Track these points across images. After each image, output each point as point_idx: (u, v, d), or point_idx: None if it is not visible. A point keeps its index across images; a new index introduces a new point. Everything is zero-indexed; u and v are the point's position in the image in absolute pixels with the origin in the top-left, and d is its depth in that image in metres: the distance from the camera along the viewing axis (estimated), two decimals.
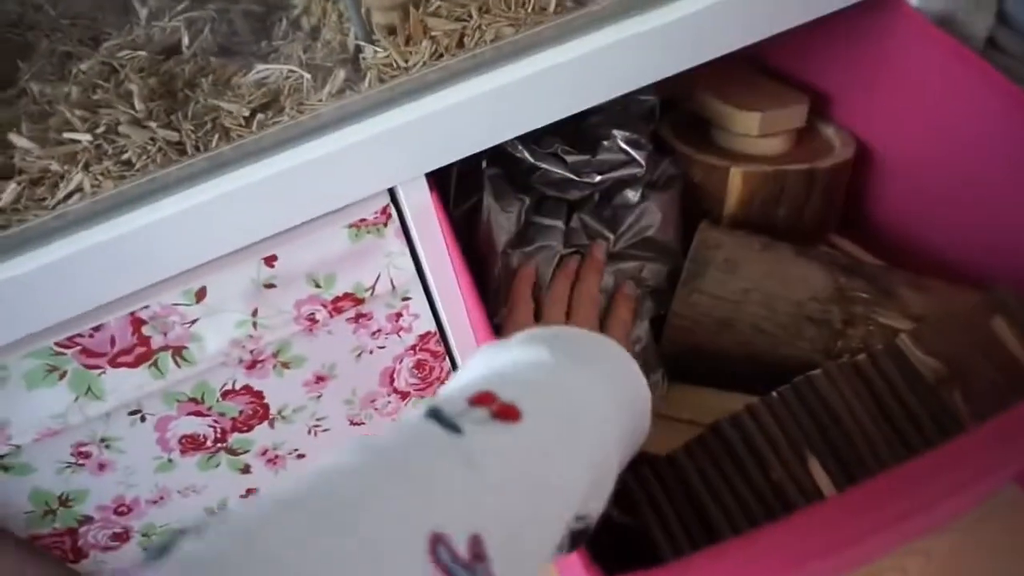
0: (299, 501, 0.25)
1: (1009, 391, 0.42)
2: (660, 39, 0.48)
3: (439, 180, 0.52)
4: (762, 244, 0.53)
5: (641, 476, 0.44)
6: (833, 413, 0.42)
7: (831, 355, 0.48)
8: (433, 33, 0.49)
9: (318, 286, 0.53)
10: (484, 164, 0.55)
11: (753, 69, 0.68)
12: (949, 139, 0.54)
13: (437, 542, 0.24)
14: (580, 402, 0.33)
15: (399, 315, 0.58)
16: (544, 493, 0.29)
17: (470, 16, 0.50)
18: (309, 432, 0.63)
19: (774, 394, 0.43)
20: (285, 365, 0.57)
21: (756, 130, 0.59)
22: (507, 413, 0.30)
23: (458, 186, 0.56)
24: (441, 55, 0.49)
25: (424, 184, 0.51)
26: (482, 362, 0.35)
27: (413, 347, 0.61)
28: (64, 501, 0.58)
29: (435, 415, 0.30)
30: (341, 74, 0.49)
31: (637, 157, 0.54)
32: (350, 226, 0.51)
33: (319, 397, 0.60)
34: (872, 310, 0.49)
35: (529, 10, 0.50)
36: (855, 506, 0.33)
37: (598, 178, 0.54)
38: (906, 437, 0.42)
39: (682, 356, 0.52)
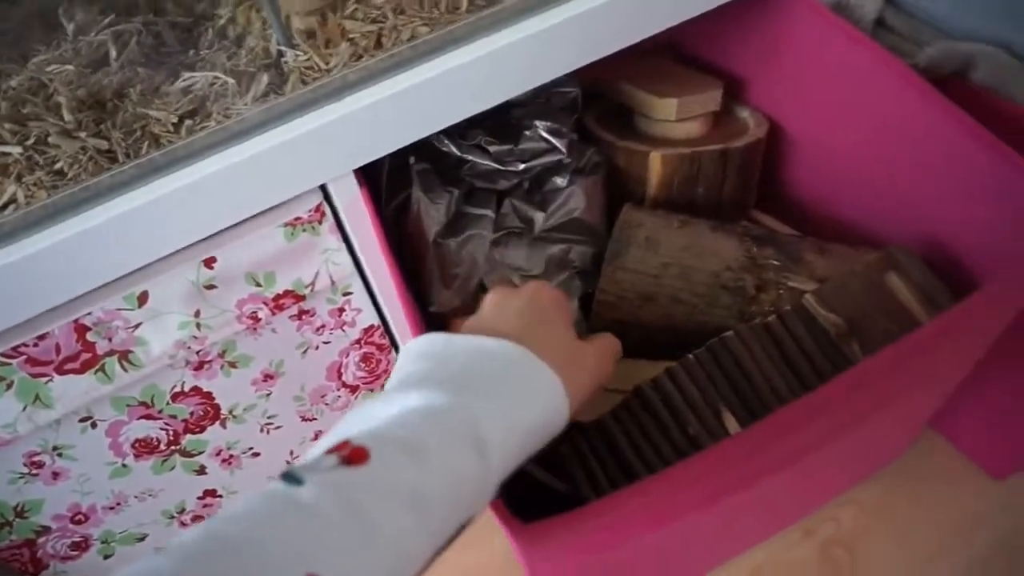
0: None
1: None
2: (568, 33, 0.51)
3: (371, 177, 0.54)
4: (680, 221, 0.55)
5: (573, 442, 0.47)
6: (745, 370, 0.45)
7: (745, 319, 0.51)
8: (351, 35, 0.52)
9: (258, 285, 0.55)
10: (412, 160, 0.57)
11: (671, 58, 0.72)
12: (847, 115, 0.58)
13: None
14: (445, 437, 0.32)
15: (341, 310, 0.60)
16: (390, 525, 0.30)
17: (386, 18, 0.52)
18: (262, 430, 0.64)
19: (690, 356, 0.45)
20: (232, 365, 0.58)
21: (674, 115, 0.62)
22: (355, 456, 0.31)
23: (390, 182, 0.58)
24: (360, 56, 0.51)
25: (353, 181, 0.53)
26: (355, 415, 0.35)
27: (358, 341, 0.63)
28: (20, 512, 0.59)
29: (284, 474, 0.30)
30: (264, 78, 0.51)
31: (558, 145, 0.57)
32: (285, 225, 0.53)
33: (269, 395, 0.62)
34: (781, 275, 0.52)
35: (442, 10, 0.52)
36: (759, 440, 0.36)
37: (522, 166, 0.56)
38: (812, 388, 0.45)
39: (610, 330, 0.54)
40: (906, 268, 0.47)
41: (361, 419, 0.33)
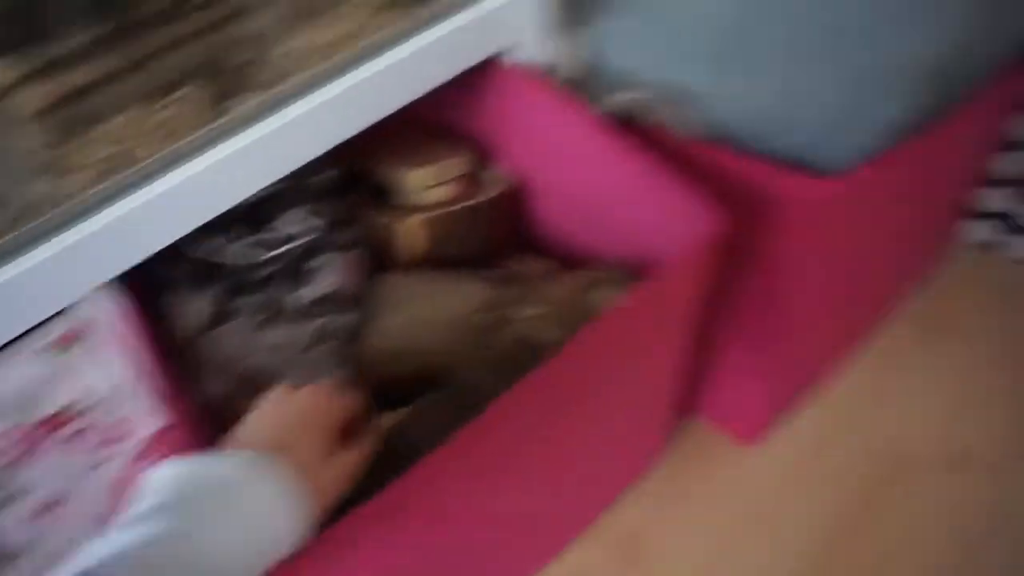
0: None
1: None
2: (290, 134, 0.57)
3: (132, 282, 0.57)
4: (430, 278, 0.62)
5: None
6: (481, 401, 0.50)
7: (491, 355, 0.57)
8: (91, 160, 0.55)
9: (26, 412, 0.55)
10: (168, 261, 0.59)
11: (425, 130, 0.79)
12: (563, 162, 0.67)
13: None
14: (174, 567, 0.37)
15: (121, 422, 0.60)
16: None
17: (124, 140, 0.56)
18: (51, 566, 0.62)
19: (426, 397, 0.50)
20: (7, 500, 0.57)
21: (426, 183, 0.70)
22: None
23: (154, 283, 0.61)
24: (102, 178, 0.55)
25: (109, 294, 0.55)
26: (95, 545, 0.38)
27: (144, 450, 0.63)
28: None
29: None
30: (10, 210, 0.53)
31: (311, 227, 0.62)
32: (45, 347, 0.54)
33: (54, 525, 0.60)
34: (520, 309, 0.59)
35: (175, 126, 0.57)
36: (463, 445, 0.40)
37: (281, 250, 0.61)
38: None
39: (378, 389, 0.59)
40: (607, 284, 0.55)
41: (100, 549, 0.36)
